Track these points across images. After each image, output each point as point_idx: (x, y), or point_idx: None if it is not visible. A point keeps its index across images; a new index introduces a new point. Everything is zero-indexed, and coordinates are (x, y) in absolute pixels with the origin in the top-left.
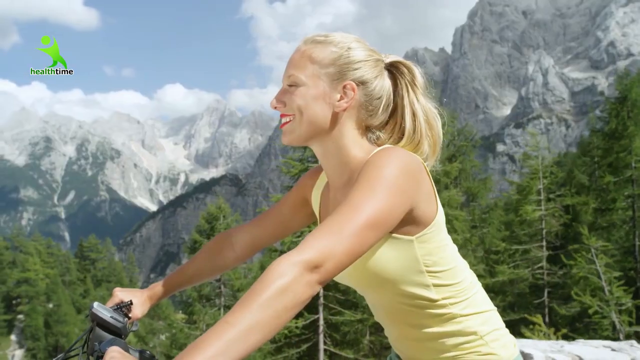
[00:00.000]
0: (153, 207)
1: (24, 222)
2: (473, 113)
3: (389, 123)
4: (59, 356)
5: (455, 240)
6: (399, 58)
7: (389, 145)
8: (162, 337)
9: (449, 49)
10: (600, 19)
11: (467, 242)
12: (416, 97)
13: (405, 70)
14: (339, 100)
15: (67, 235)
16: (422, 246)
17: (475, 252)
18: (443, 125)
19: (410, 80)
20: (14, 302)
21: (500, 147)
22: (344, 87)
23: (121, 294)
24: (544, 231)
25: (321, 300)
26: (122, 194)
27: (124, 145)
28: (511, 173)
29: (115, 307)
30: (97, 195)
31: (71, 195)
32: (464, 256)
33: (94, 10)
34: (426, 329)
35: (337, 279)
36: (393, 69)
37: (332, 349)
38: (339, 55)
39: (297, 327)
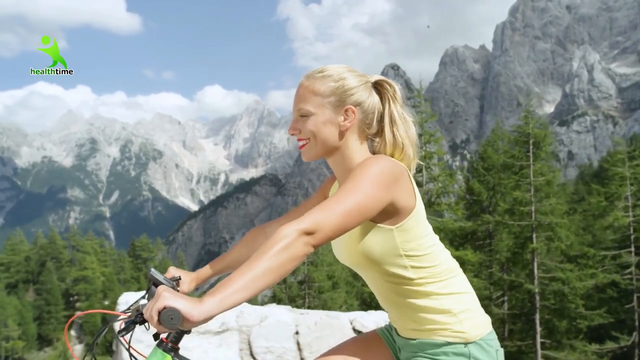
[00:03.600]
0: (194, 207)
1: (71, 221)
2: (515, 111)
3: (382, 130)
4: (125, 309)
5: (558, 247)
6: (382, 77)
7: (378, 154)
8: None
9: (489, 46)
10: None
11: (569, 249)
12: (395, 108)
13: (388, 86)
14: (343, 122)
15: (111, 234)
16: (401, 234)
17: (555, 257)
18: (418, 132)
19: (392, 94)
20: (71, 299)
21: None
22: (346, 110)
23: (174, 271)
24: (632, 237)
25: None
26: (164, 193)
27: (166, 146)
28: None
29: (167, 279)
30: (140, 195)
31: (115, 195)
32: (558, 262)
33: (136, 16)
34: (407, 304)
35: (339, 259)
36: (378, 86)
37: None
38: (336, 86)
39: None
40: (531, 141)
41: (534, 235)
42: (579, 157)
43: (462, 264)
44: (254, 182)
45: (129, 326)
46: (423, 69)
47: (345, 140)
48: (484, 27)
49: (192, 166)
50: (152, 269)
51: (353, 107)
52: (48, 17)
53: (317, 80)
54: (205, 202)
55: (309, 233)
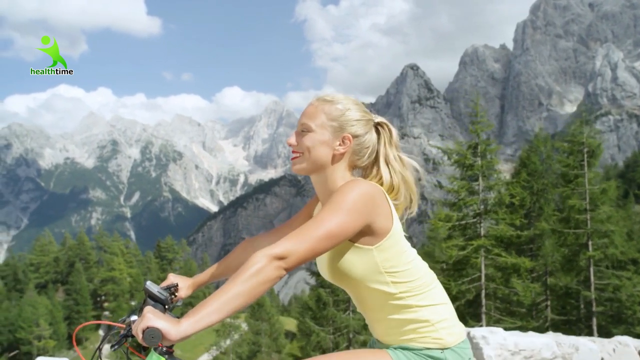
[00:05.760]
0: (214, 208)
1: (93, 222)
2: (536, 110)
3: (374, 165)
4: (122, 318)
5: (613, 254)
6: (384, 119)
7: (356, 177)
8: (264, 335)
9: (510, 45)
10: None
11: (624, 256)
12: (391, 150)
13: (387, 129)
14: (337, 146)
15: (132, 235)
16: (381, 254)
17: (600, 263)
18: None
19: (388, 138)
20: (99, 299)
21: None
22: (343, 138)
23: (173, 278)
24: None
25: (483, 309)
26: (184, 194)
27: (186, 147)
28: None
29: (165, 287)
30: (161, 195)
31: (136, 196)
32: (605, 267)
33: (156, 19)
34: (389, 315)
35: (323, 276)
36: (379, 127)
37: None
38: (341, 114)
39: None
40: (585, 150)
41: (590, 243)
42: (602, 157)
43: (517, 270)
44: (273, 182)
45: (121, 340)
46: (443, 69)
47: (335, 165)
48: (505, 26)
49: (211, 167)
50: (148, 282)
51: (350, 137)
52: (70, 21)
53: (326, 104)
54: (225, 203)
55: (280, 258)
